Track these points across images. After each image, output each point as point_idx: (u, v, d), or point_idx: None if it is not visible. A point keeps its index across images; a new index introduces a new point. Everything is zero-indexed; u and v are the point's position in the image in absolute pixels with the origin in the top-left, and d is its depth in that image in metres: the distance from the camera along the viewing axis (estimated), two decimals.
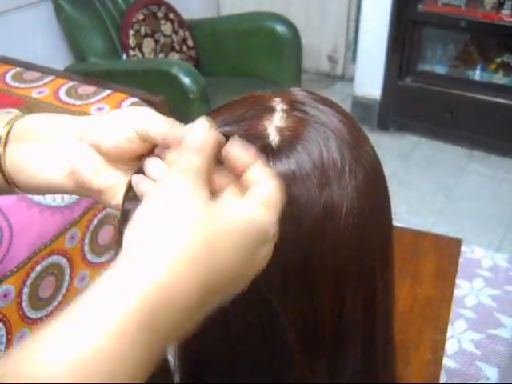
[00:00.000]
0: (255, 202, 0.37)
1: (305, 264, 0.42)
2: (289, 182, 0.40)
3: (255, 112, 0.44)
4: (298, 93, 0.47)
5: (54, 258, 1.71)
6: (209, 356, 0.50)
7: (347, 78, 3.49)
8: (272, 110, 0.44)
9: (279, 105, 0.45)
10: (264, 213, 0.37)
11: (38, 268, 1.66)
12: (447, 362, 1.09)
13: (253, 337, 0.46)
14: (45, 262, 1.68)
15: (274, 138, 0.42)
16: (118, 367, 0.30)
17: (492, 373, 1.11)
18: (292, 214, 0.40)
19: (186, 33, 2.73)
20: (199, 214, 0.35)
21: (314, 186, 0.41)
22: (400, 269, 0.92)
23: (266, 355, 0.46)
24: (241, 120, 0.44)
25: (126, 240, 0.35)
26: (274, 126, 0.43)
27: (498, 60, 2.78)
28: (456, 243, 0.96)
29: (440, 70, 2.94)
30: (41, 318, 1.74)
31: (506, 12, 2.62)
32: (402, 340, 0.78)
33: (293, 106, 0.44)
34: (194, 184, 0.36)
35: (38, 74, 2.07)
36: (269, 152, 0.41)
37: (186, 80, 2.13)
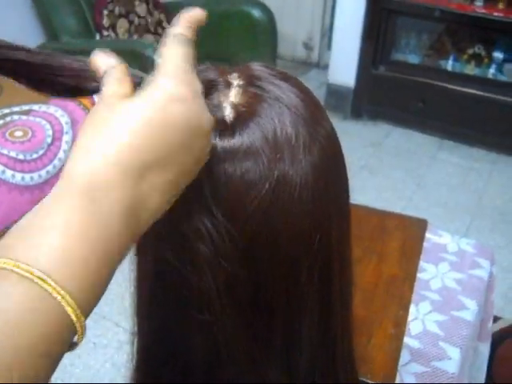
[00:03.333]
0: (161, 76, 0.37)
1: (257, 237, 0.42)
2: (241, 157, 0.41)
3: (212, 86, 0.44)
4: (256, 68, 0.47)
5: None
6: (165, 353, 0.51)
7: (322, 66, 3.50)
8: (228, 85, 0.44)
9: (236, 80, 0.45)
10: (167, 81, 0.37)
11: None
12: (411, 342, 1.11)
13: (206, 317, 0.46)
14: None
15: (228, 113, 0.43)
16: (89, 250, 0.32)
17: (454, 353, 1.14)
18: (243, 188, 0.41)
19: (162, 15, 2.70)
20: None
21: (266, 161, 0.41)
22: (366, 247, 0.94)
23: (219, 335, 0.46)
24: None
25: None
26: (230, 101, 0.43)
27: (470, 51, 2.82)
28: (421, 224, 0.98)
29: (413, 59, 2.97)
30: None
31: (478, 3, 2.66)
32: (365, 315, 0.80)
33: (249, 81, 0.45)
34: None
35: None
36: (222, 127, 0.42)
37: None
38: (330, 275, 0.48)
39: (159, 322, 0.50)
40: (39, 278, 0.30)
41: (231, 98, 0.44)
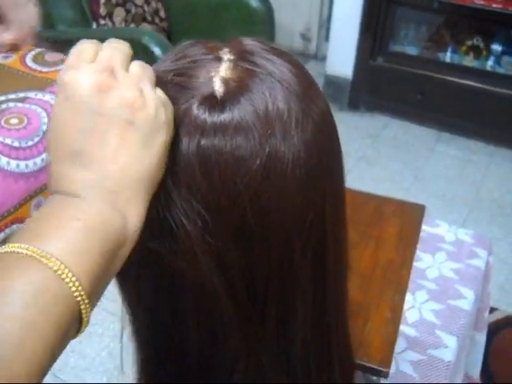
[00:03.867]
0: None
1: (249, 214, 0.41)
2: (231, 132, 0.40)
3: (203, 61, 0.43)
4: (248, 42, 0.46)
5: (20, 226, 1.67)
6: (158, 343, 0.50)
7: (320, 57, 3.49)
8: (219, 60, 0.43)
9: (227, 55, 0.44)
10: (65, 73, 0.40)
11: (1, 235, 1.63)
12: (407, 330, 1.11)
13: (199, 302, 0.45)
14: (8, 230, 1.64)
15: (218, 88, 0.42)
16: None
17: (451, 341, 1.14)
18: (234, 164, 0.40)
19: (159, 4, 2.68)
20: None
21: (257, 137, 0.40)
22: (363, 232, 0.94)
23: (214, 320, 0.46)
24: (188, 68, 0.43)
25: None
26: (220, 76, 0.42)
27: (469, 43, 2.81)
28: (419, 209, 0.98)
29: (412, 51, 2.96)
30: None
31: None
32: (362, 300, 0.80)
33: (241, 56, 0.44)
34: None
35: None
36: (213, 102, 0.41)
37: (157, 50, 2.09)
38: (324, 255, 0.47)
39: (150, 310, 0.49)
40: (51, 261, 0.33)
41: (221, 72, 0.43)
